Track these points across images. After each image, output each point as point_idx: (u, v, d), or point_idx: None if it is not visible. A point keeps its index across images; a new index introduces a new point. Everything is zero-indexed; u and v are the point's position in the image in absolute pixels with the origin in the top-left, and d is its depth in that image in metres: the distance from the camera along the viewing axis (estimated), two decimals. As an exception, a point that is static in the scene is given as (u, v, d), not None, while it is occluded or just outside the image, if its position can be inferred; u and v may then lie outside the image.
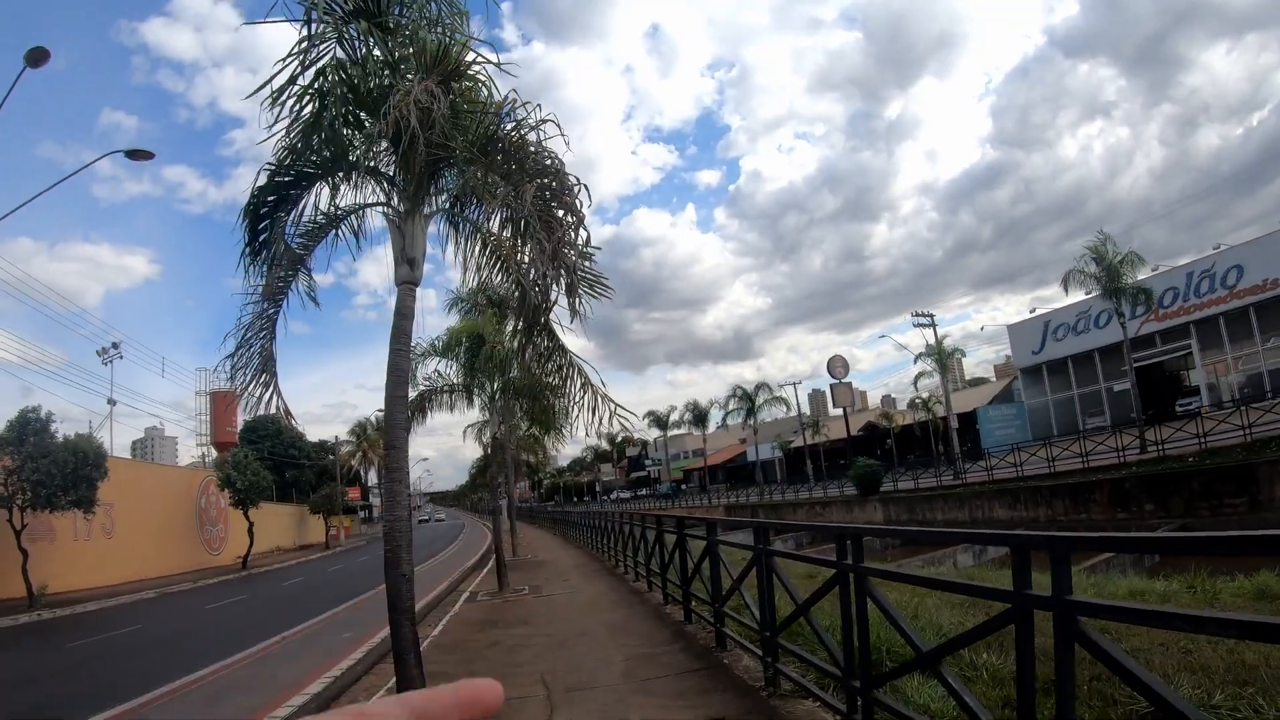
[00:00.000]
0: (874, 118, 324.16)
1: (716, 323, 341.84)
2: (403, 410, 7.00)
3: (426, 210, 7.30)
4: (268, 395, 7.98)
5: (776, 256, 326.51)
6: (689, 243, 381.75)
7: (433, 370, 18.01)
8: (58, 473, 22.67)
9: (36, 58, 17.72)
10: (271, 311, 7.88)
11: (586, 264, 7.76)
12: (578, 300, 7.41)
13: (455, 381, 18.12)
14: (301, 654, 12.21)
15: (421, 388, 18.03)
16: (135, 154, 21.00)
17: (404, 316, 6.95)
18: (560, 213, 6.78)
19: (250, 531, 38.38)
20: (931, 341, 53.02)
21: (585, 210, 6.81)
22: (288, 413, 8.45)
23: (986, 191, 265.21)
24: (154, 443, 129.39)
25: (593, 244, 7.52)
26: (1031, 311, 56.23)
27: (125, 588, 28.59)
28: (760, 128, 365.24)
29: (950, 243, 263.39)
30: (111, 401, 45.43)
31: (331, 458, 67.66)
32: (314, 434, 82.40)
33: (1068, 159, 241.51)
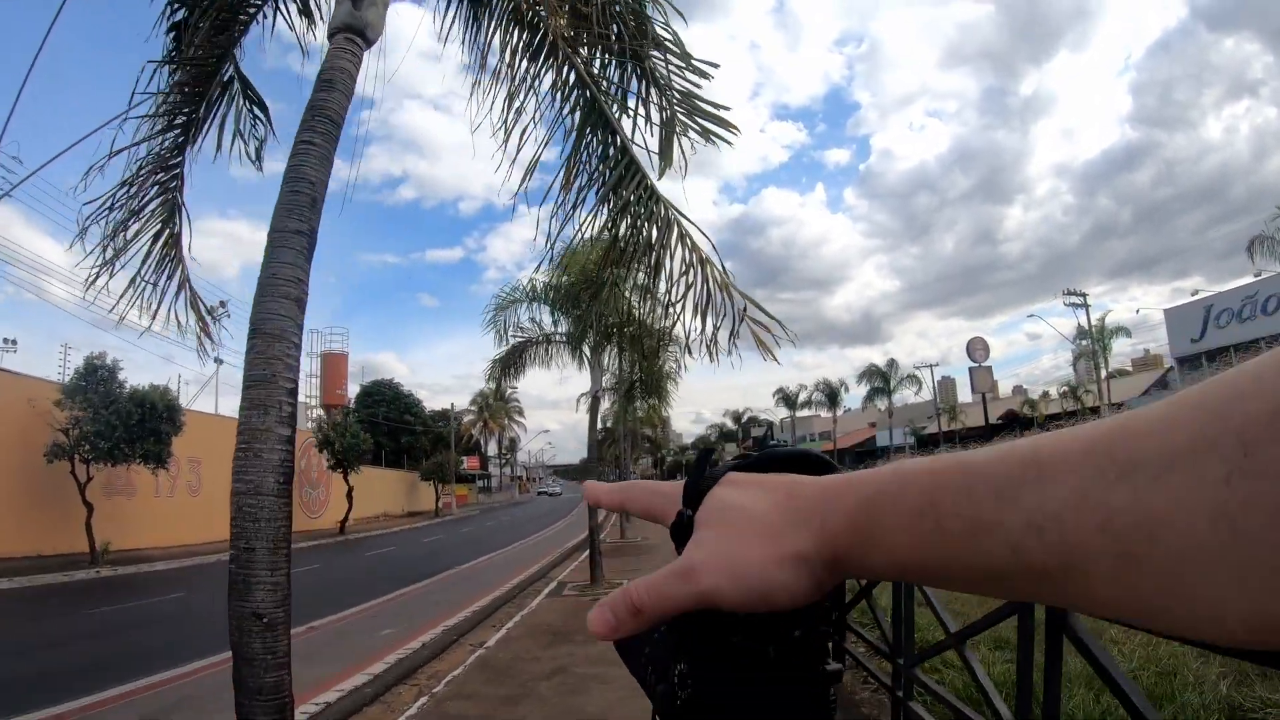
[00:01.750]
0: (1008, 94, 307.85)
1: (845, 304, 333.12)
2: (296, 259, 3.68)
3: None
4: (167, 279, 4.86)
5: (906, 238, 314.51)
6: (818, 222, 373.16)
7: (525, 319, 14.95)
8: (120, 424, 20.85)
9: None
10: (179, 120, 4.72)
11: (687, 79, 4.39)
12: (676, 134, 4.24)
13: (553, 331, 15.01)
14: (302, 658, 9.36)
15: (515, 340, 15.02)
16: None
17: (331, 87, 3.86)
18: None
19: (349, 496, 36.85)
20: (1083, 324, 47.88)
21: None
22: (208, 312, 5.35)
23: (1126, 174, 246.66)
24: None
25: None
26: (1194, 294, 49.70)
27: (206, 548, 27.01)
28: (891, 104, 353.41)
29: (1086, 227, 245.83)
30: (218, 361, 44.70)
31: (443, 425, 66.24)
32: (443, 403, 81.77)
33: (1212, 140, 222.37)
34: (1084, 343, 42.21)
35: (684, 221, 4.24)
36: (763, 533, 0.46)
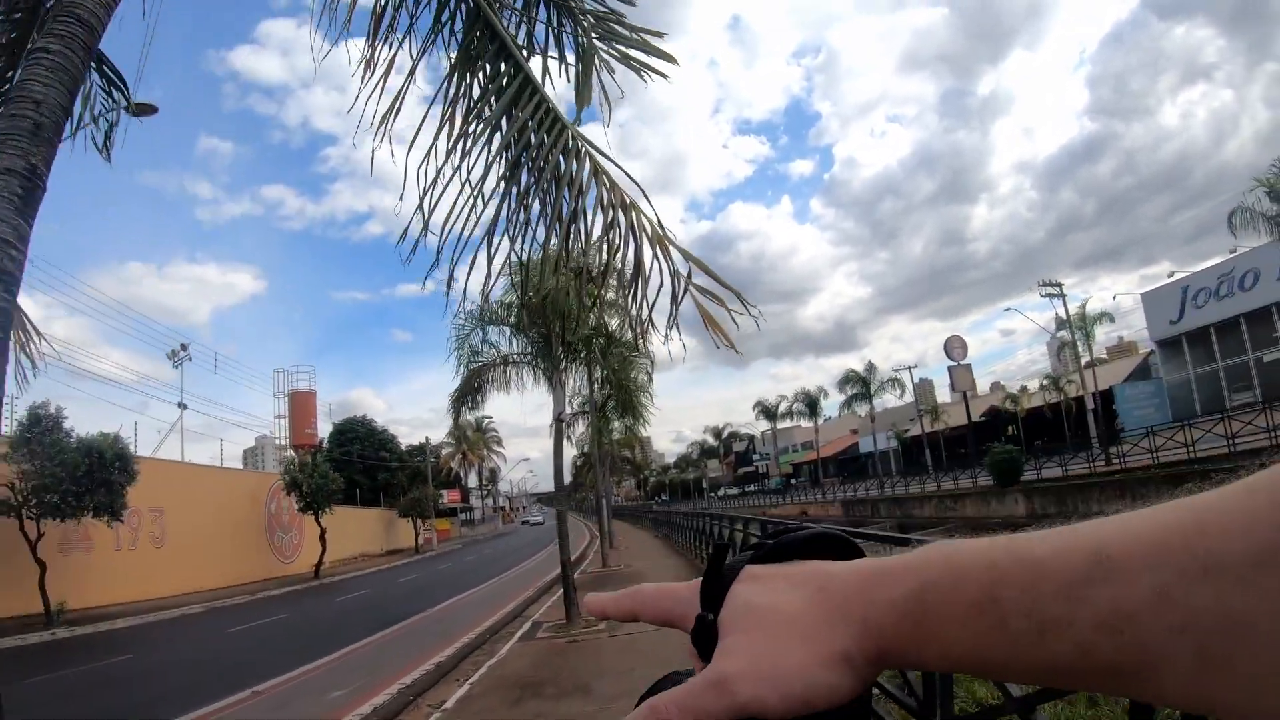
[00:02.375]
0: (966, 95, 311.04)
1: (818, 314, 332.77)
2: (3, 210, 2.60)
3: None
4: None
5: (875, 244, 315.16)
6: (786, 234, 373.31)
7: (479, 343, 13.90)
8: (66, 476, 19.56)
9: (141, 110, 17.78)
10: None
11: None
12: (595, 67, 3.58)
13: (510, 351, 13.95)
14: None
15: (473, 365, 13.96)
16: (140, 109, 19.29)
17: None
18: None
19: (322, 538, 35.52)
20: (1060, 314, 47.47)
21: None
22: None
23: (1087, 166, 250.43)
24: (264, 450, 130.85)
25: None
26: (1170, 276, 49.43)
27: (171, 601, 25.76)
28: (851, 112, 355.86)
29: (1052, 222, 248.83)
30: (182, 405, 43.38)
31: (420, 460, 64.72)
32: (422, 438, 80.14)
33: (1170, 127, 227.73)
34: (1062, 334, 41.66)
35: (599, 157, 3.26)
36: (800, 634, 0.43)
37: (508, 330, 12.90)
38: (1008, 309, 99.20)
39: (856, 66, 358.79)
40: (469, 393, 13.87)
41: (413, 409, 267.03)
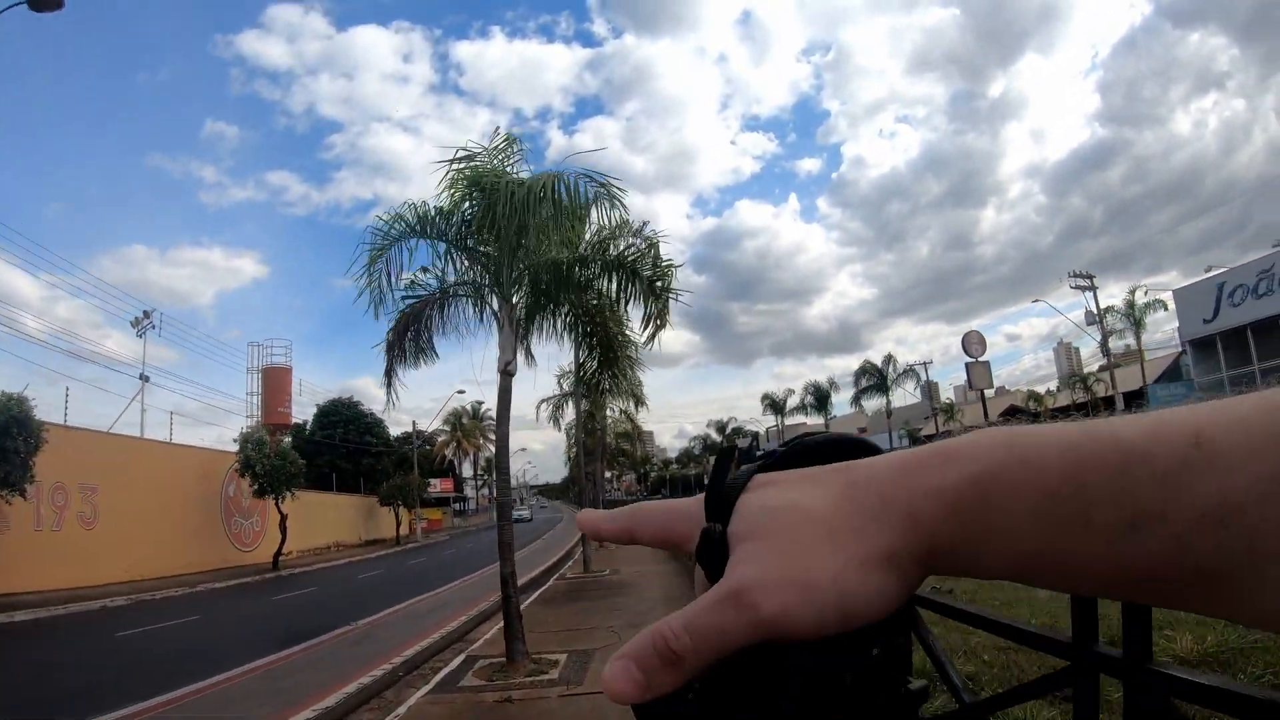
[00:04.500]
0: (977, 98, 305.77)
1: (822, 314, 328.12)
2: None
3: None
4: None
5: (881, 245, 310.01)
6: (792, 233, 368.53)
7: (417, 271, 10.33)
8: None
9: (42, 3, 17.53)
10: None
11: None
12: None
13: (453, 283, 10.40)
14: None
15: (406, 304, 10.41)
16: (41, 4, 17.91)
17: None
18: None
19: (282, 526, 32.04)
20: (1092, 309, 44.51)
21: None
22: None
23: (1096, 172, 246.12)
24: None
25: None
26: (1207, 271, 46.37)
27: (97, 591, 22.24)
28: (860, 112, 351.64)
29: (1060, 227, 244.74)
30: (144, 378, 40.03)
31: (409, 446, 61.13)
32: (423, 427, 76.43)
33: (1181, 135, 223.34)
34: (1098, 325, 38.25)
35: None
36: (831, 534, 0.37)
37: (443, 249, 9.45)
38: (1036, 300, 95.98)
39: (867, 65, 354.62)
40: (404, 336, 10.30)
41: (413, 398, 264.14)
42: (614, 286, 9.23)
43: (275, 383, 49.79)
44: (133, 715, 7.90)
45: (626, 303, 9.44)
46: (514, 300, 9.07)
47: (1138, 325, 36.91)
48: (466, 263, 9.53)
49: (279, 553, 32.09)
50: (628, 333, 10.85)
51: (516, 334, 9.17)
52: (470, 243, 9.22)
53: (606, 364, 11.07)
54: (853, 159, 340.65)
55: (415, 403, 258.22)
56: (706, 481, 0.41)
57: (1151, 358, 51.61)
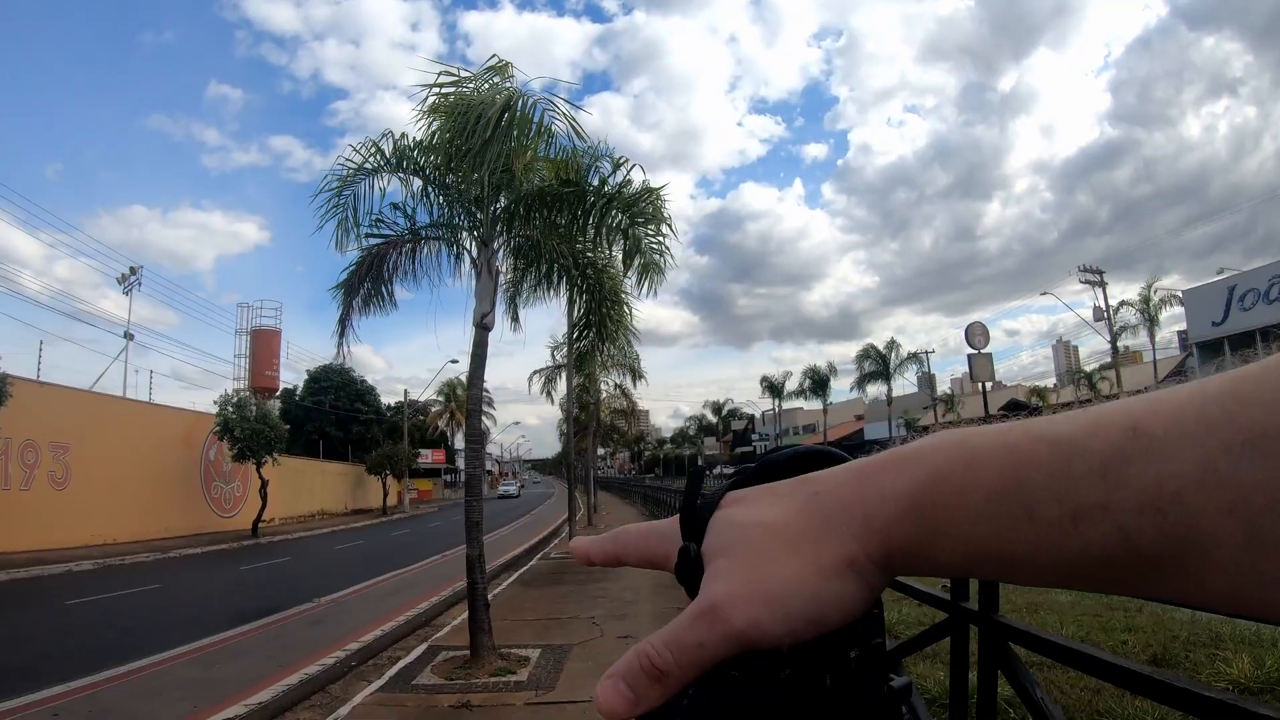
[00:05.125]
0: (987, 90, 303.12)
1: (822, 300, 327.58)
2: None
3: None
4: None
5: (885, 234, 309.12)
6: (796, 217, 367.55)
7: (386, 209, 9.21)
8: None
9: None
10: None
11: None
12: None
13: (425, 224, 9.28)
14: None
15: (370, 243, 9.30)
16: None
17: None
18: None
19: (263, 492, 31.06)
20: (1099, 305, 43.60)
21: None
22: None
23: (1104, 171, 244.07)
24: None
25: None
26: (1219, 273, 45.44)
27: (65, 554, 21.30)
28: (869, 99, 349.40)
29: (1065, 224, 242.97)
30: (129, 335, 38.99)
31: (396, 414, 60.01)
32: (419, 398, 75.08)
33: (1191, 138, 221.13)
34: (1105, 321, 37.27)
35: None
36: (792, 543, 0.39)
37: (417, 185, 8.38)
38: (1044, 292, 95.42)
39: (878, 52, 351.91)
40: (364, 278, 9.18)
41: (412, 368, 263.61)
42: (593, 220, 8.14)
43: (264, 345, 48.75)
44: (19, 708, 6.87)
45: (609, 237, 8.38)
46: (494, 245, 8.04)
47: (1152, 322, 35.67)
48: (444, 202, 8.47)
49: (259, 519, 31.14)
50: (621, 289, 9.82)
51: (495, 281, 8.14)
52: (450, 180, 8.17)
53: (599, 321, 9.99)
54: (860, 145, 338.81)
55: (412, 373, 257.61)
56: (684, 498, 0.43)
57: (1149, 360, 50.94)
